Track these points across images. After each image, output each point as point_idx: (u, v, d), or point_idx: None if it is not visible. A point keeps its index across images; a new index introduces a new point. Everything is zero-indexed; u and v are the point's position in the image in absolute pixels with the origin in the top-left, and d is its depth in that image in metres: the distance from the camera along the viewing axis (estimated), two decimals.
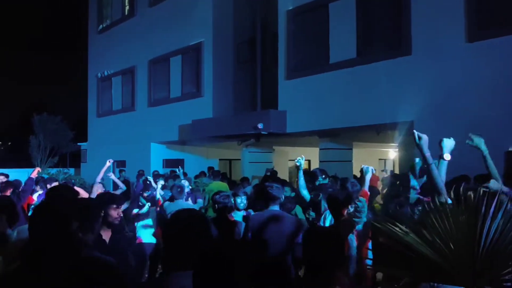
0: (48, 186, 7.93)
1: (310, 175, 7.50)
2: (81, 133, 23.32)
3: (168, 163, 16.09)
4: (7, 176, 8.80)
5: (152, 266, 6.92)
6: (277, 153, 16.28)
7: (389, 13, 9.55)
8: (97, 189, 6.45)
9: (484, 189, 1.99)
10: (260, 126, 11.08)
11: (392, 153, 19.54)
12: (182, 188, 6.77)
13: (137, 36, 16.84)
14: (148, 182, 8.41)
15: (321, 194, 5.66)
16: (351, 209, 4.38)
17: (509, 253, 1.78)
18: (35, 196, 8.91)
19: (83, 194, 5.09)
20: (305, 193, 5.82)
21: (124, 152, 17.24)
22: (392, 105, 9.09)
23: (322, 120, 10.63)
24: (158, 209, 7.32)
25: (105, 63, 18.85)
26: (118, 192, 7.64)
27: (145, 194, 7.46)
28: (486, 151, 3.94)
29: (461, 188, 1.97)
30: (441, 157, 3.27)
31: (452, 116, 8.17)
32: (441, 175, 3.14)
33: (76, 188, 5.04)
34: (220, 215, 5.29)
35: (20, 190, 7.34)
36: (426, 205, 2.06)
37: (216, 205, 5.37)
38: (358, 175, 6.79)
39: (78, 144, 22.90)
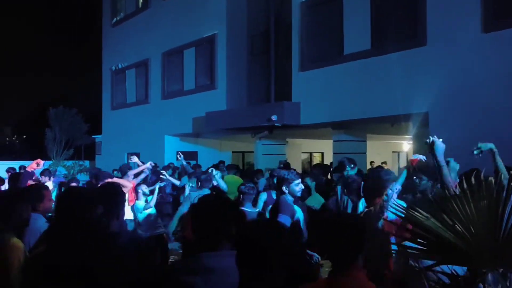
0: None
1: (339, 165, 7.51)
2: (95, 125, 23.57)
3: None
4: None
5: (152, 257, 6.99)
6: (291, 145, 16.28)
7: (404, 3, 9.48)
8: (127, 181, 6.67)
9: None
10: (274, 118, 11.09)
11: (406, 145, 19.42)
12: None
13: (151, 29, 16.91)
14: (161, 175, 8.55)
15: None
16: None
17: None
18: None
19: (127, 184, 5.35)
20: None
21: (138, 144, 17.37)
22: (407, 96, 9.05)
23: (336, 111, 10.61)
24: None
25: (119, 56, 18.95)
26: (142, 176, 7.68)
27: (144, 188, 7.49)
28: (494, 148, 3.96)
29: (473, 177, 2.00)
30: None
31: (467, 107, 8.12)
32: (451, 176, 3.26)
33: (117, 179, 5.30)
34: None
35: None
36: (447, 191, 2.10)
37: (241, 195, 5.62)
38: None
39: (93, 136, 23.14)
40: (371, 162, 15.19)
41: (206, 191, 6.76)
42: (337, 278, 2.16)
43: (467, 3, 8.26)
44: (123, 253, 2.22)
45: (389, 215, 3.86)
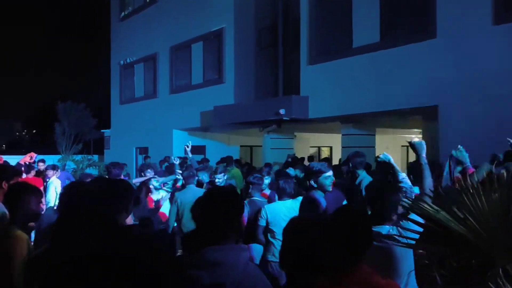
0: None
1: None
2: (104, 120, 23.69)
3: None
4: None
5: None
6: (299, 139, 16.25)
7: None
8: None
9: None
10: (282, 111, 11.06)
11: (415, 139, 19.25)
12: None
13: (159, 23, 16.92)
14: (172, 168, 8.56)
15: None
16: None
17: None
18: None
19: None
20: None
21: (146, 139, 17.44)
22: (416, 90, 8.99)
23: (345, 105, 10.56)
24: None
25: (128, 50, 19.00)
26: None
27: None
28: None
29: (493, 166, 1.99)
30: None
31: (477, 100, 8.05)
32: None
33: None
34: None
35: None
36: (458, 185, 2.08)
37: (250, 186, 5.54)
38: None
39: (102, 131, 23.24)
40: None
41: (192, 187, 6.56)
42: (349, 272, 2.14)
43: None
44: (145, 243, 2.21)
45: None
